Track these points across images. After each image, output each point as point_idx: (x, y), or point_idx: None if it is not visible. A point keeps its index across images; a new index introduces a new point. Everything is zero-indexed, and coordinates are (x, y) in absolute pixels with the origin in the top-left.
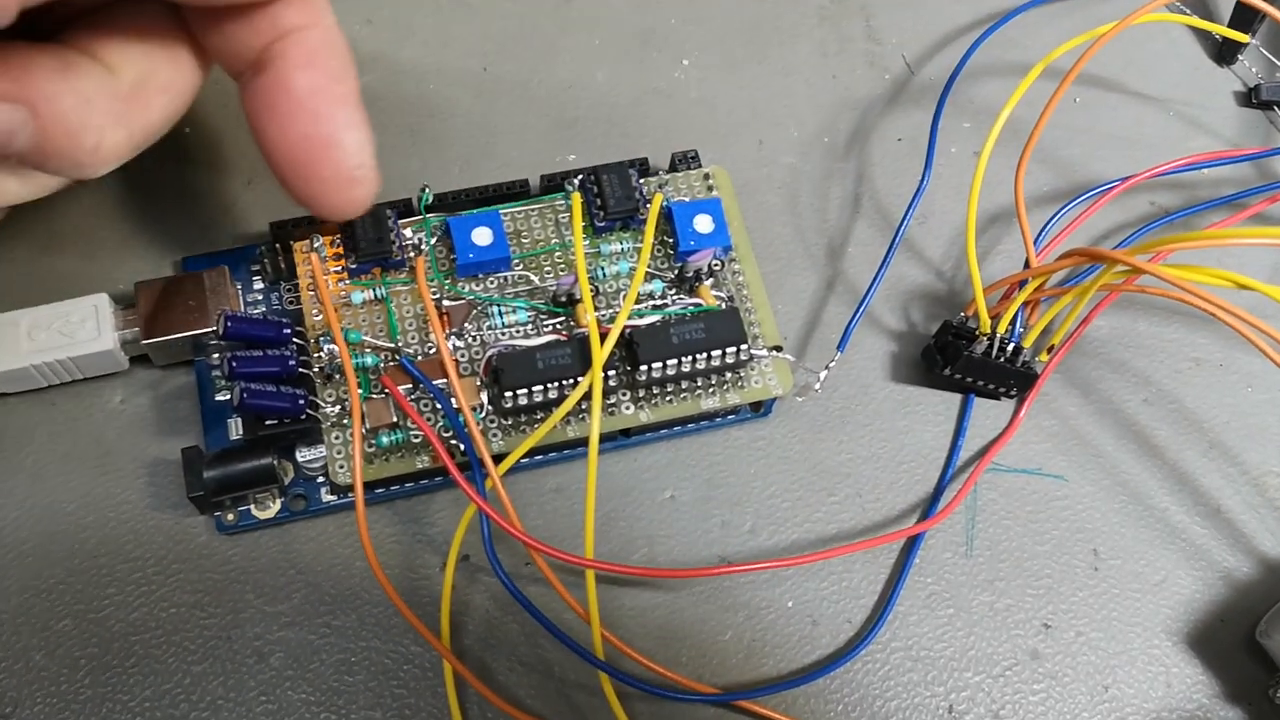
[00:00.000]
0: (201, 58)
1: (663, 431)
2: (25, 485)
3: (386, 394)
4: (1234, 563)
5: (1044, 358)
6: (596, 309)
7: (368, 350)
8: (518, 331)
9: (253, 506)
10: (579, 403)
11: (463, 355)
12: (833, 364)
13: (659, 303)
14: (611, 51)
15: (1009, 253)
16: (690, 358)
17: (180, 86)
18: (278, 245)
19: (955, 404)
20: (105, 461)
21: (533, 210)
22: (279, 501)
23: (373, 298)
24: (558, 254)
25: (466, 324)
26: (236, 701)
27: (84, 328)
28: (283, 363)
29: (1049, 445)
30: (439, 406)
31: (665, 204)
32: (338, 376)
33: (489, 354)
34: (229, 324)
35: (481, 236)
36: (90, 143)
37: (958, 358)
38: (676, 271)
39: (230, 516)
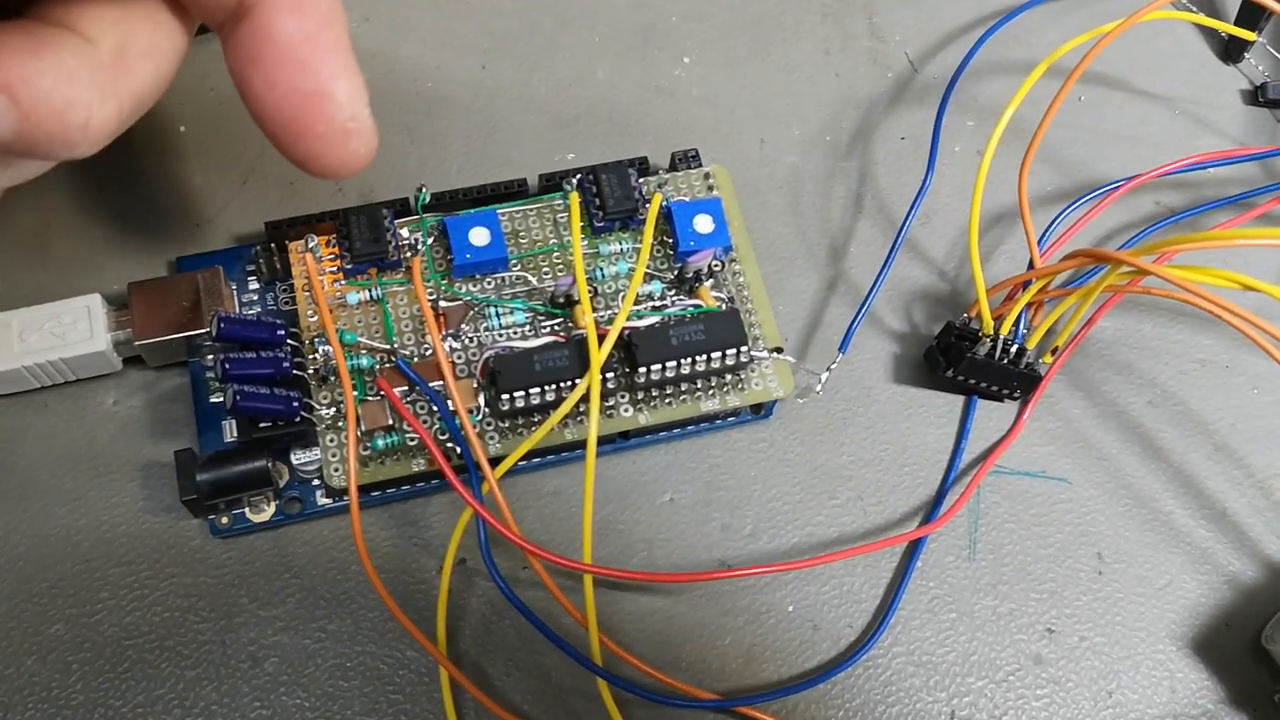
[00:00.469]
0: (183, 17)
1: (662, 434)
2: (17, 488)
3: (382, 396)
4: (1239, 567)
5: (1048, 359)
6: (596, 310)
7: (363, 352)
8: (515, 333)
9: (247, 510)
10: (577, 405)
11: (460, 357)
12: (834, 365)
13: (659, 304)
14: (612, 49)
15: (1013, 253)
16: (690, 359)
17: (164, 49)
18: (273, 245)
19: (958, 406)
20: (98, 464)
21: (530, 210)
22: (274, 505)
23: (369, 298)
24: (556, 254)
25: (463, 325)
26: (230, 707)
27: (76, 329)
28: (277, 364)
29: (1053, 448)
30: (435, 409)
31: (665, 204)
32: (333, 378)
33: (486, 356)
34: (222, 325)
35: (479, 237)
36: (79, 120)
37: (960, 359)
38: (676, 272)
39: (224, 520)
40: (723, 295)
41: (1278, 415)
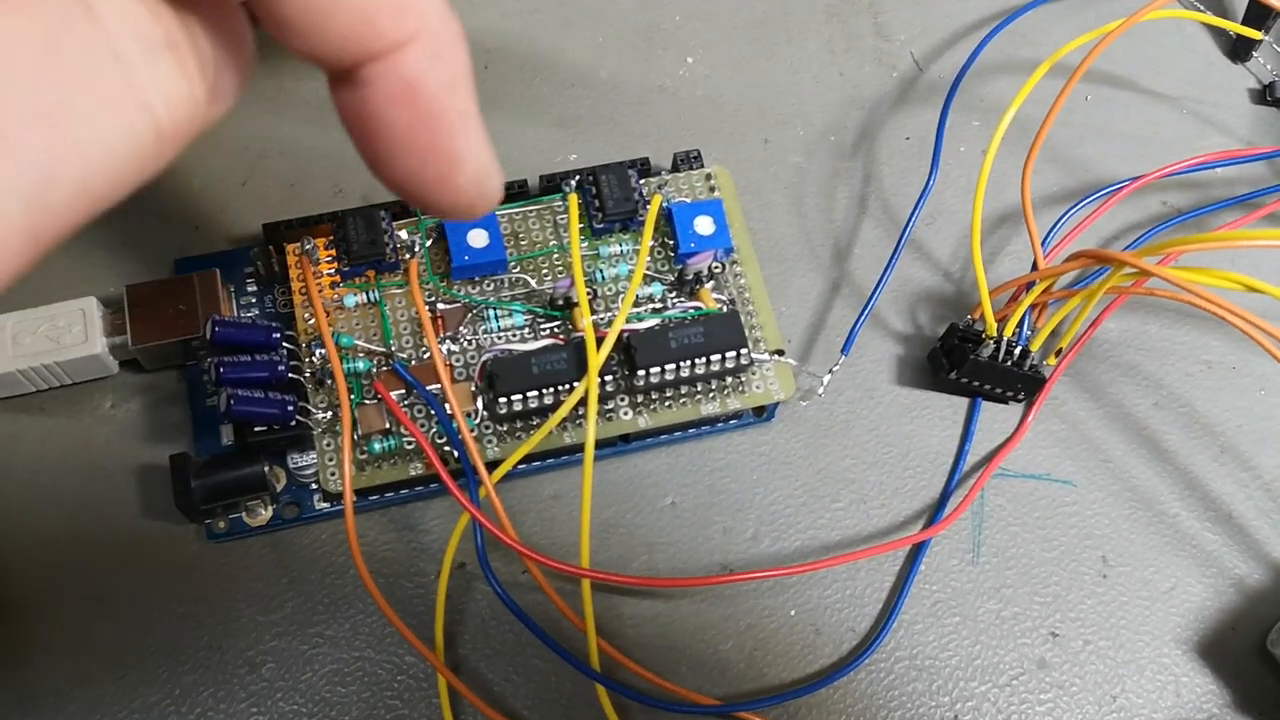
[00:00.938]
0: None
1: (663, 437)
2: (13, 492)
3: (379, 399)
4: (1245, 570)
5: (1052, 361)
6: (596, 312)
7: (360, 355)
8: (514, 335)
9: (244, 514)
10: (576, 408)
11: (458, 360)
12: (837, 367)
13: (659, 306)
14: (615, 49)
15: (1018, 254)
16: (689, 362)
17: None
18: (270, 247)
19: (962, 408)
20: (94, 468)
21: (530, 211)
22: (271, 509)
23: (366, 301)
24: (556, 256)
25: (462, 328)
26: (227, 713)
27: (71, 332)
28: (271, 368)
29: (1057, 450)
30: (434, 412)
31: (666, 205)
32: (329, 382)
33: (484, 358)
34: (217, 329)
35: (477, 239)
36: None
37: (964, 361)
38: (677, 274)
39: (221, 524)
40: (724, 297)
41: None
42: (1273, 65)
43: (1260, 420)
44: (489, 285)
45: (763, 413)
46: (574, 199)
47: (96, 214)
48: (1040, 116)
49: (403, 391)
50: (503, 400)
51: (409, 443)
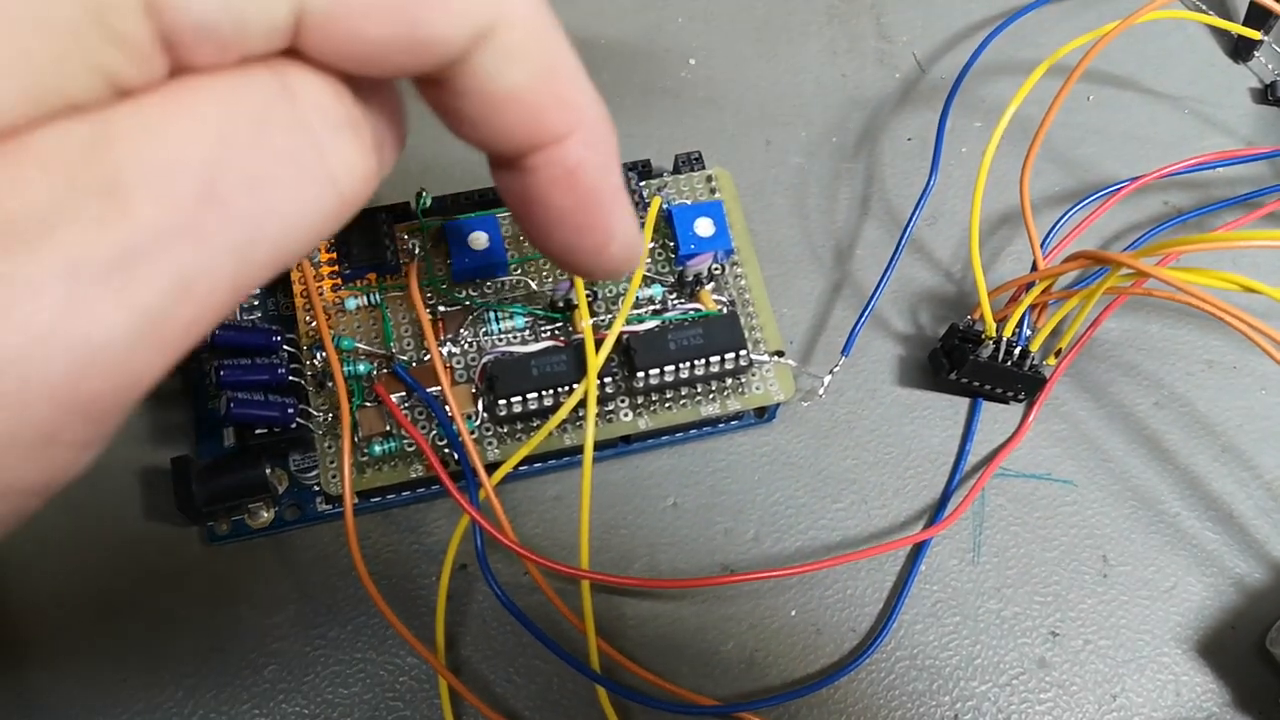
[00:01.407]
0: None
1: (664, 438)
2: None
3: (379, 402)
4: (1245, 569)
5: (1052, 361)
6: (596, 314)
7: (361, 357)
8: (515, 337)
9: (246, 516)
10: (577, 410)
11: (459, 362)
12: (838, 368)
13: (658, 307)
14: (617, 50)
15: (1020, 254)
16: (689, 364)
17: None
18: None
19: (963, 408)
20: (95, 471)
21: None
22: (273, 511)
23: (367, 304)
24: None
25: (463, 330)
26: (230, 715)
27: None
28: (272, 371)
29: (1058, 450)
30: (434, 415)
31: (666, 207)
32: (330, 384)
33: (484, 361)
34: (217, 332)
35: (478, 241)
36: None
37: (964, 362)
38: (677, 275)
39: (223, 527)
40: (724, 299)
41: None
42: (1274, 65)
43: (1260, 420)
44: (489, 287)
45: (764, 413)
46: None
47: (283, 271)
48: (1041, 117)
49: (403, 394)
50: (503, 402)
51: (409, 445)
